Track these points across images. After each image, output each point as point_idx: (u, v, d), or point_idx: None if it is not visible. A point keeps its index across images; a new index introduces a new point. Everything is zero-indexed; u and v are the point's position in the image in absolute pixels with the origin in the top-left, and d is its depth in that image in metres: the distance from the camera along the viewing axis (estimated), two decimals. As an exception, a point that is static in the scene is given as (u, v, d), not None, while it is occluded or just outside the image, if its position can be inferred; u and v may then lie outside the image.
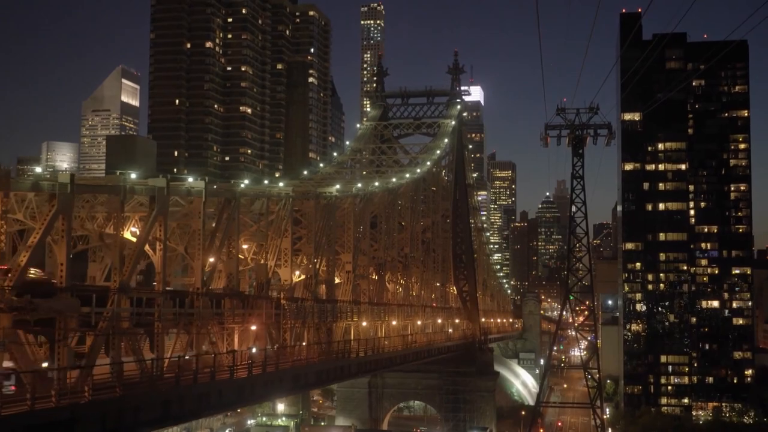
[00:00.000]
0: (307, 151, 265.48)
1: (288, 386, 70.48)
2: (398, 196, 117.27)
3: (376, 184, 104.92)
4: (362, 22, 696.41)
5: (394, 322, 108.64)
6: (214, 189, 63.43)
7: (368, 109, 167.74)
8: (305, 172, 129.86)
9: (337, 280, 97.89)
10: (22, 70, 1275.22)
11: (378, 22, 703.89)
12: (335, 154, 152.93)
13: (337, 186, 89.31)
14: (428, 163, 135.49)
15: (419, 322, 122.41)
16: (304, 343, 78.32)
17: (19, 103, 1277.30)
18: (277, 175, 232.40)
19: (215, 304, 61.94)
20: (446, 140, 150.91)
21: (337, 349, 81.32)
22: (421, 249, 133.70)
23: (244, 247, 75.63)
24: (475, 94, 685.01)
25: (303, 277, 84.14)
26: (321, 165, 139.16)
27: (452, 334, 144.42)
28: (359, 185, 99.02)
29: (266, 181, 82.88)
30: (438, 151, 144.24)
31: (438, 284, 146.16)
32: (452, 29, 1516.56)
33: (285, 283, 77.12)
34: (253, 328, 65.91)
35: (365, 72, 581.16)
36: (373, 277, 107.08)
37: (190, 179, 59.83)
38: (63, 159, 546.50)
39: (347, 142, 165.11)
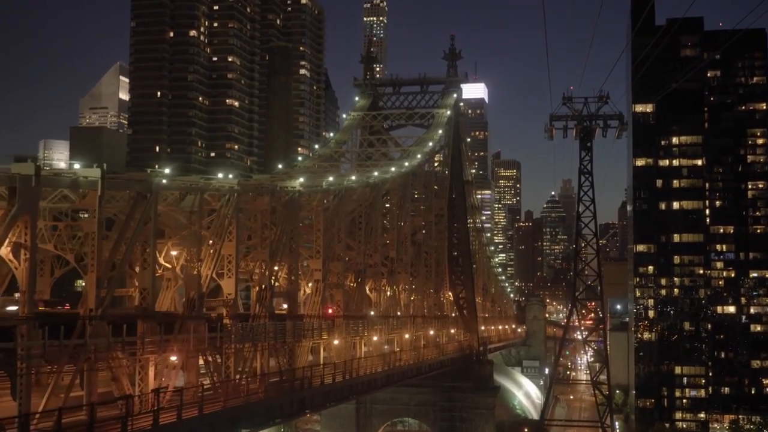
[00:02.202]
0: (292, 144, 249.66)
1: None
2: (382, 192, 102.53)
3: (353, 178, 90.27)
4: (365, 18, 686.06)
5: (375, 338, 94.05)
6: (120, 180, 48.99)
7: (357, 99, 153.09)
8: (279, 166, 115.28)
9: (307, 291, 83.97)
10: (20, 68, 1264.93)
11: (381, 18, 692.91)
12: (316, 146, 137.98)
13: (301, 179, 74.71)
14: (418, 156, 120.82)
15: (407, 336, 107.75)
16: (256, 372, 64.29)
17: (17, 101, 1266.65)
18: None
19: (123, 330, 47.43)
20: (440, 131, 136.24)
21: (294, 377, 66.70)
22: (411, 252, 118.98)
23: (173, 253, 61.15)
24: (479, 91, 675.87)
25: (257, 288, 69.75)
26: (299, 158, 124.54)
27: (446, 346, 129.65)
28: (331, 179, 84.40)
29: (221, 175, 68.17)
30: (430, 143, 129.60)
31: (431, 291, 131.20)
32: (455, 27, 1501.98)
33: (228, 298, 62.63)
34: (173, 358, 51.42)
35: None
36: (351, 284, 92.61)
37: (77, 166, 45.34)
38: (60, 157, 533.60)
39: (330, 134, 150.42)
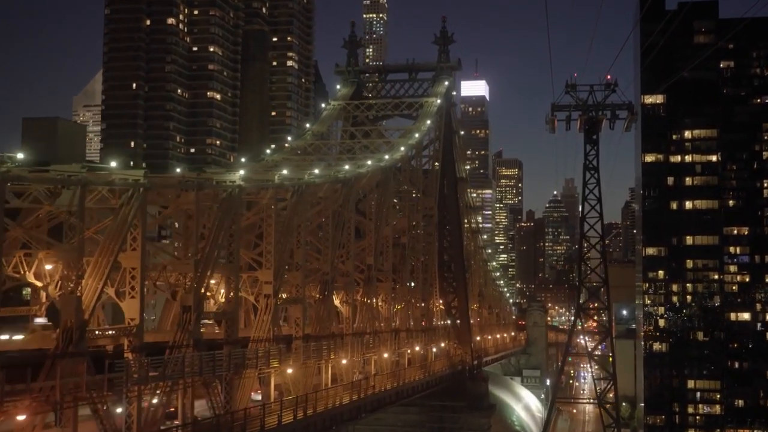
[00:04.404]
0: (267, 138, 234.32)
1: None
2: (357, 190, 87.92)
3: (317, 171, 75.70)
4: (364, 15, 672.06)
5: (344, 361, 79.53)
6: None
7: (338, 87, 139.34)
8: (243, 159, 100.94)
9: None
10: (13, 66, 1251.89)
11: (380, 15, 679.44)
12: (289, 138, 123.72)
13: (242, 172, 60.32)
14: (402, 149, 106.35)
15: (386, 355, 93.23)
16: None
17: (10, 99, 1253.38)
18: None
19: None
20: (428, 122, 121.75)
21: (219, 423, 52.26)
22: (394, 258, 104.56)
23: (48, 267, 46.75)
24: (480, 88, 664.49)
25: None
26: (267, 151, 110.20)
27: (434, 364, 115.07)
28: (285, 172, 70.01)
29: (114, 163, 54.02)
30: (417, 135, 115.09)
31: (419, 300, 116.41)
32: (457, 24, 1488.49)
33: (131, 324, 48.27)
34: (22, 417, 36.95)
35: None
36: (316, 296, 78.08)
37: None
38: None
39: (307, 125, 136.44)
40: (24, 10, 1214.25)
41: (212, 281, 63.43)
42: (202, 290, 55.82)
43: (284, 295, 71.19)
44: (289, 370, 66.81)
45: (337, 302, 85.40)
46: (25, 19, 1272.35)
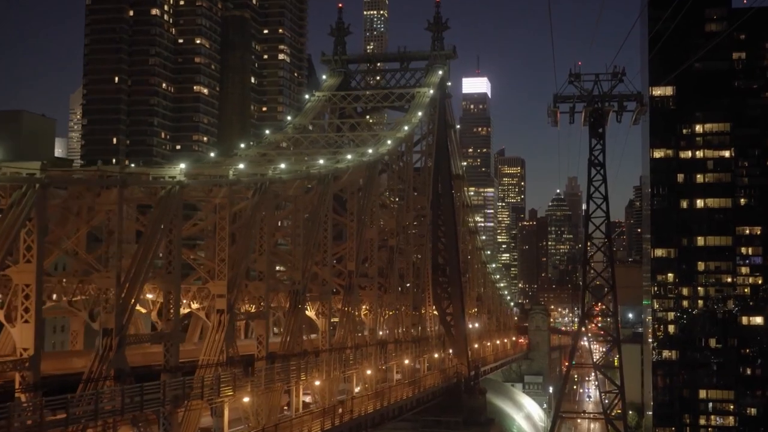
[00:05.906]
0: (249, 133, 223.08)
1: None
2: (333, 187, 77.90)
3: (283, 166, 65.82)
4: (365, 12, 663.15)
5: (317, 382, 69.74)
6: None
7: (324, 77, 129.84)
8: (212, 154, 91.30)
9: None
10: (9, 65, 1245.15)
11: (381, 12, 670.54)
12: (267, 132, 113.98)
13: (182, 166, 50.53)
14: (389, 142, 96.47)
15: (369, 372, 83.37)
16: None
17: (11, 99, 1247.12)
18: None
19: None
20: (420, 114, 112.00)
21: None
22: (381, 262, 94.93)
23: None
24: (482, 86, 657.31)
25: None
26: (242, 146, 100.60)
27: (426, 378, 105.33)
28: (241, 166, 60.28)
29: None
30: (406, 127, 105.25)
31: (411, 308, 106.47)
32: (458, 21, 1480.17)
33: (23, 355, 38.43)
34: None
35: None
36: (285, 306, 68.37)
37: None
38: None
39: (288, 117, 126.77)
40: (24, 8, 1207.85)
41: (150, 296, 53.99)
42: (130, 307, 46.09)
43: (241, 310, 61.76)
44: (246, 399, 56.99)
45: (312, 314, 75.83)
46: (25, 19, 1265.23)
